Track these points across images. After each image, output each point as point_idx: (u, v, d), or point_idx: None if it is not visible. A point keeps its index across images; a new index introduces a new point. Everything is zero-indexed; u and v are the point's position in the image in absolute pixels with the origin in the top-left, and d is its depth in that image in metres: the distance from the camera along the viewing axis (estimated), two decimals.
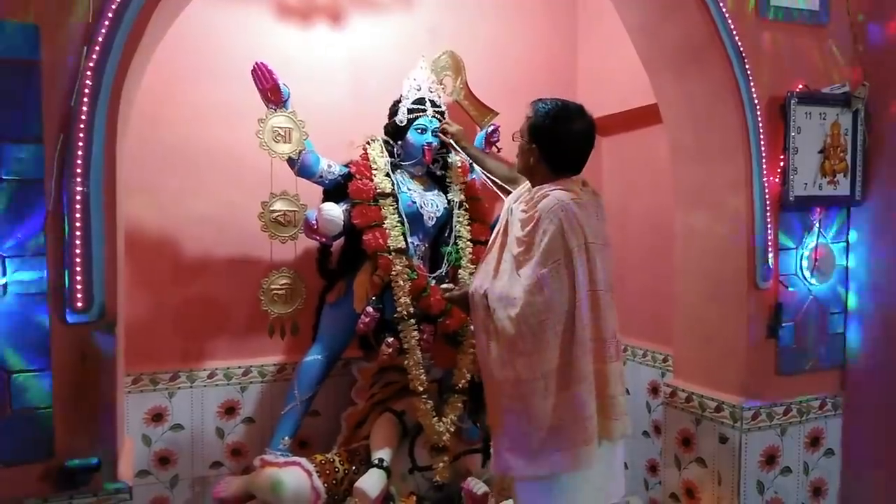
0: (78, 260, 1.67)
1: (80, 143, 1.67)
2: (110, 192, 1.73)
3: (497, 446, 1.89)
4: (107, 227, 1.72)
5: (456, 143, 2.68)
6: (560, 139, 1.91)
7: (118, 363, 1.83)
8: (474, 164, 2.73)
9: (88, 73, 1.67)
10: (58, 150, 1.66)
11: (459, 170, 2.81)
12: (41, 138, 1.65)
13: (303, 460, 2.48)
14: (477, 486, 2.48)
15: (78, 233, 1.67)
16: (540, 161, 1.93)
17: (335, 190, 2.63)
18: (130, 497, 1.77)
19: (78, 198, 1.67)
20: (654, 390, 3.00)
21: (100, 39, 1.68)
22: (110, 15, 1.69)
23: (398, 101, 2.73)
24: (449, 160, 2.81)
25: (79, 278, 1.67)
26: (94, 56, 1.68)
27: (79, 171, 1.67)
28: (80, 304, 1.68)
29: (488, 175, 2.60)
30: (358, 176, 2.59)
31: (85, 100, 1.67)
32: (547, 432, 1.76)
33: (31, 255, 1.66)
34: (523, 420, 1.78)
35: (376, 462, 2.47)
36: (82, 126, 1.66)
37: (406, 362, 2.54)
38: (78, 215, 1.67)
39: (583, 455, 1.75)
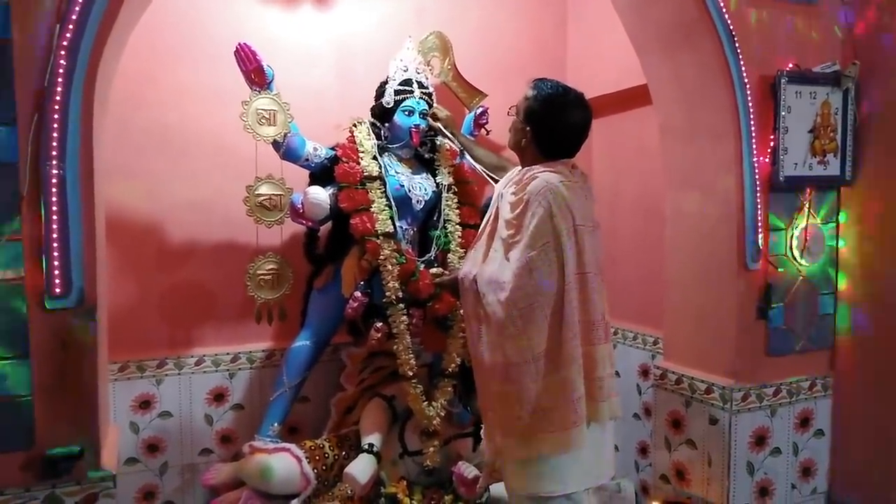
0: (55, 245, 1.63)
1: (55, 125, 1.62)
2: (87, 175, 1.69)
3: (489, 430, 1.89)
4: (84, 211, 1.68)
5: (444, 127, 2.64)
6: (555, 127, 1.89)
7: (100, 350, 1.80)
8: (463, 151, 2.70)
9: (62, 51, 1.62)
10: (32, 131, 1.62)
11: (448, 152, 2.78)
12: (14, 120, 1.61)
13: (292, 446, 2.47)
14: (468, 469, 2.48)
15: (54, 217, 1.63)
16: (531, 143, 1.92)
17: (322, 173, 2.60)
18: (114, 485, 1.74)
19: (54, 181, 1.63)
20: (645, 372, 3.00)
21: (73, 17, 1.63)
22: None
23: (385, 83, 2.69)
24: (437, 143, 2.77)
25: (56, 263, 1.64)
26: (68, 34, 1.63)
27: (54, 153, 1.62)
28: (58, 290, 1.65)
29: (477, 162, 2.58)
30: (344, 159, 2.56)
31: (59, 79, 1.62)
32: (537, 415, 1.76)
33: (6, 239, 1.61)
34: (514, 403, 1.77)
35: (366, 447, 2.46)
36: (57, 107, 1.62)
37: (395, 347, 2.52)
38: (54, 199, 1.63)
39: (572, 437, 1.75)
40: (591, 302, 1.82)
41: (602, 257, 1.92)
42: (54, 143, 1.62)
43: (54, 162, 1.62)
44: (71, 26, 1.63)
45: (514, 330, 1.76)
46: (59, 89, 1.62)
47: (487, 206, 2.84)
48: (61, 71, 1.62)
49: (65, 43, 1.62)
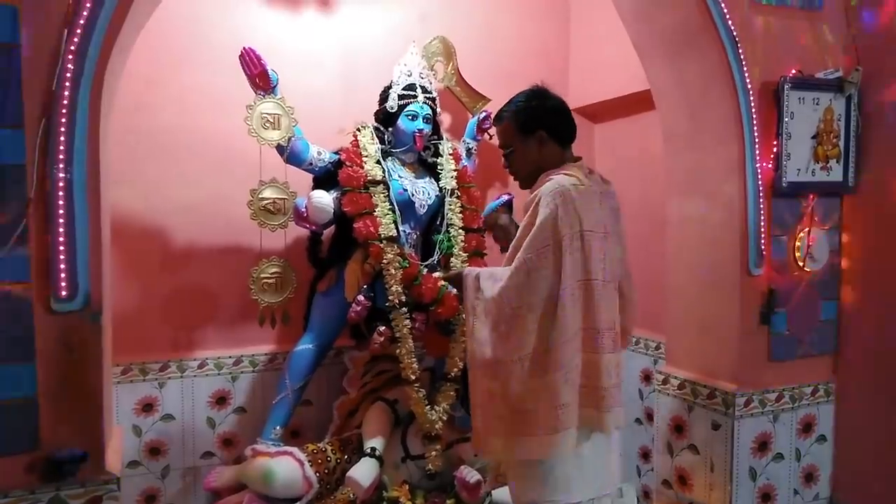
0: (61, 248, 1.64)
1: (63, 129, 1.62)
2: (94, 179, 1.69)
3: (475, 424, 1.87)
4: (91, 214, 1.68)
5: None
6: (555, 109, 1.89)
7: (105, 352, 1.81)
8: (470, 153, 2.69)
9: (70, 56, 1.63)
10: (39, 135, 1.62)
11: (451, 157, 2.78)
12: (22, 123, 1.61)
13: (294, 450, 2.47)
14: (470, 474, 2.48)
15: (61, 220, 1.63)
16: (548, 141, 1.87)
17: (325, 177, 2.61)
18: (118, 488, 1.74)
19: (61, 184, 1.63)
20: (647, 378, 3.00)
21: (81, 22, 1.64)
22: None
23: (388, 87, 2.70)
24: (440, 147, 2.78)
25: (62, 266, 1.64)
26: (76, 39, 1.63)
27: (61, 156, 1.63)
28: (64, 293, 1.65)
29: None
30: (348, 163, 2.56)
31: (67, 84, 1.62)
32: (521, 416, 1.74)
33: (13, 242, 1.62)
34: (499, 402, 1.76)
35: (368, 451, 2.46)
36: (64, 111, 1.62)
37: (398, 351, 2.52)
38: (61, 202, 1.63)
39: (556, 442, 1.72)
40: (596, 309, 1.78)
41: (618, 264, 1.89)
42: (61, 147, 1.63)
43: (61, 165, 1.63)
44: (79, 31, 1.63)
45: (504, 327, 1.75)
46: (66, 93, 1.62)
47: (489, 211, 2.88)
48: (69, 75, 1.63)
49: (72, 47, 1.63)
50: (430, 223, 2.73)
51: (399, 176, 2.65)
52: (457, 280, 1.97)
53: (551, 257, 1.73)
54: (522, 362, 1.73)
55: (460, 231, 2.70)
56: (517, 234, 1.83)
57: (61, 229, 1.64)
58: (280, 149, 2.45)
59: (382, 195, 2.56)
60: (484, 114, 2.93)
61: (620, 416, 1.85)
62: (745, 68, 2.31)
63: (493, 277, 1.81)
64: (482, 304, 1.81)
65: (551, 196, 1.74)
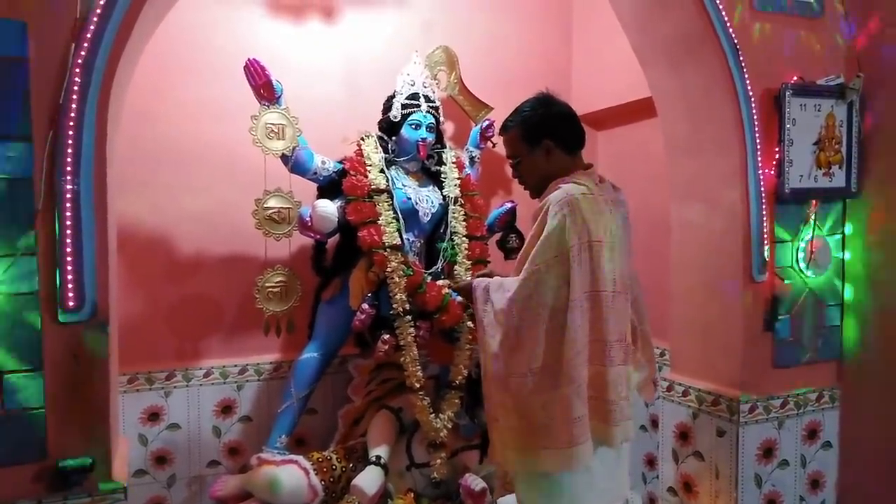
0: (69, 259, 1.66)
1: (70, 141, 1.65)
2: (101, 190, 1.71)
3: (492, 437, 1.86)
4: (98, 225, 1.70)
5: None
6: (562, 115, 1.88)
7: (111, 362, 1.82)
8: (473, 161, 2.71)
9: (77, 69, 1.65)
10: (47, 147, 1.64)
11: (454, 165, 2.80)
12: (30, 136, 1.63)
13: (300, 458, 2.48)
14: (475, 482, 2.48)
15: (68, 231, 1.65)
16: (555, 149, 1.85)
17: (329, 187, 2.62)
18: (125, 497, 1.75)
19: (68, 196, 1.65)
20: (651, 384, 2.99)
21: (88, 35, 1.66)
22: (99, 10, 1.67)
23: (392, 97, 2.71)
24: (444, 155, 2.79)
25: (70, 277, 1.66)
26: (83, 52, 1.66)
27: (69, 168, 1.65)
28: (71, 304, 1.67)
29: None
30: (352, 172, 2.58)
31: (74, 96, 1.65)
32: (536, 429, 1.72)
33: (21, 254, 1.64)
34: (512, 413, 1.74)
35: (374, 459, 2.47)
36: (72, 123, 1.65)
37: (402, 359, 2.53)
38: (68, 213, 1.65)
39: (573, 456, 1.69)
40: (605, 321, 1.75)
41: (629, 273, 1.88)
42: (69, 159, 1.65)
43: (69, 177, 1.65)
44: (86, 44, 1.66)
45: (513, 340, 1.73)
46: (74, 106, 1.65)
47: (493, 219, 2.89)
48: (76, 88, 1.65)
49: (80, 60, 1.65)
50: (434, 231, 2.74)
51: (403, 184, 2.66)
52: (466, 291, 1.95)
53: (559, 268, 1.70)
54: (533, 376, 1.70)
55: (464, 239, 2.71)
56: (526, 243, 1.82)
57: (69, 240, 1.66)
58: (284, 158, 2.47)
59: (386, 204, 2.57)
60: (487, 122, 2.95)
61: (629, 429, 1.82)
62: (745, 75, 2.32)
63: (502, 289, 1.79)
64: (492, 317, 1.79)
65: (559, 205, 1.71)
